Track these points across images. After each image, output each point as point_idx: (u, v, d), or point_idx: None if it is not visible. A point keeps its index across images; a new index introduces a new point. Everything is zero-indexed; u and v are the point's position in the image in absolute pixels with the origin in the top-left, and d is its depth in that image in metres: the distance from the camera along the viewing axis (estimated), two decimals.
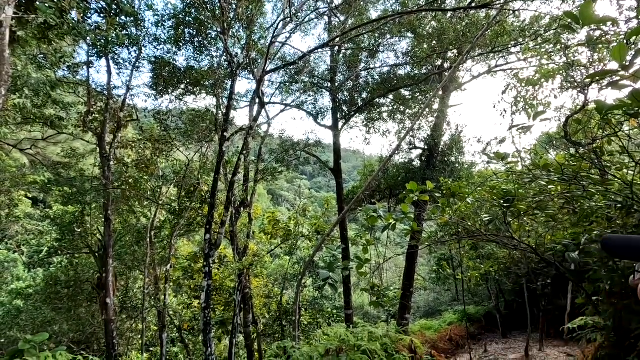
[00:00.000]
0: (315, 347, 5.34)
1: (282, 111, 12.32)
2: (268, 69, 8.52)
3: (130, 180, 11.14)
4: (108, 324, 7.87)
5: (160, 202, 10.53)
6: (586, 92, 5.97)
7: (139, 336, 13.87)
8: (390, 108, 13.84)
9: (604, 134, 4.06)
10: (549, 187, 4.21)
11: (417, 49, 10.80)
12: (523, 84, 7.57)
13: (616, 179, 3.81)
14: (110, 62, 8.86)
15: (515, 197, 4.34)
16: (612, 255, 0.64)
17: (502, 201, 4.43)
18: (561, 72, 7.18)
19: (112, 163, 8.58)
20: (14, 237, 16.40)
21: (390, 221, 5.02)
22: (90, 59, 8.66)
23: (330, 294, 17.95)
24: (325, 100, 12.92)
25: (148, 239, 9.82)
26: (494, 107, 7.94)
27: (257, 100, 8.56)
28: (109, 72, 8.81)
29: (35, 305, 12.00)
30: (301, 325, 12.31)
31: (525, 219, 5.13)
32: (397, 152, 14.65)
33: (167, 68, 9.38)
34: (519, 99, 7.35)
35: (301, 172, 55.89)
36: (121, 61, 8.91)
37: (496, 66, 12.47)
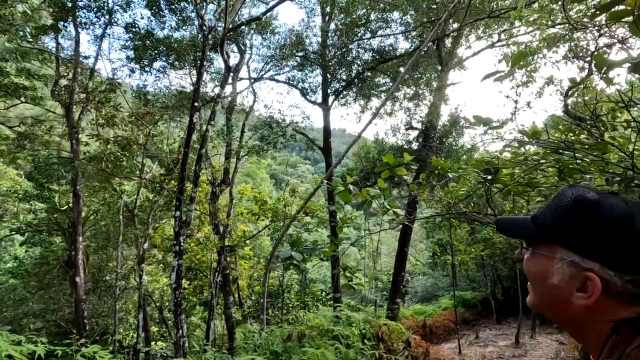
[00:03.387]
0: (279, 331, 4.97)
1: (259, 78, 11.68)
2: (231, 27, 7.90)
3: (111, 158, 10.74)
4: (78, 303, 7.59)
5: (141, 179, 10.12)
6: (591, 59, 5.29)
7: (132, 315, 13.74)
8: (387, 87, 13.18)
9: (609, 105, 3.45)
10: (542, 161, 3.66)
11: (410, 19, 10.07)
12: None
13: (615, 147, 3.24)
14: (79, 28, 8.30)
15: (499, 168, 3.78)
16: (503, 234, 0.77)
17: (484, 174, 3.88)
18: (565, 39, 6.49)
19: (80, 136, 8.14)
20: (4, 215, 16.26)
21: (365, 197, 4.52)
22: (58, 23, 8.10)
23: (320, 276, 17.63)
24: (315, 75, 12.27)
25: (120, 217, 9.47)
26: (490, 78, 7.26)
27: (224, 64, 7.99)
28: (77, 40, 8.28)
29: (12, 284, 11.84)
30: (286, 307, 12.05)
31: (521, 202, 4.62)
32: (394, 132, 14.06)
33: (142, 36, 8.80)
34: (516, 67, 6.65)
35: (305, 157, 55.45)
36: (89, 27, 8.32)
37: (498, 41, 11.70)
